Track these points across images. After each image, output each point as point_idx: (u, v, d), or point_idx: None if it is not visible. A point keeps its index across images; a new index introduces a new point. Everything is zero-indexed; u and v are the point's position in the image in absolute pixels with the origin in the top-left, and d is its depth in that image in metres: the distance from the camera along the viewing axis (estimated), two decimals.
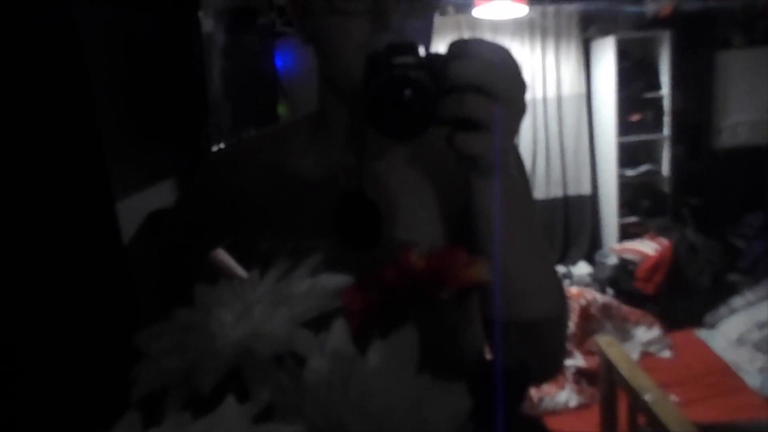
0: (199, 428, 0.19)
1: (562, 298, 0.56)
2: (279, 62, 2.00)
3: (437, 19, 3.38)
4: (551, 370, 0.59)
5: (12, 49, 0.89)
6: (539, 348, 0.54)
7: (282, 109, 1.83)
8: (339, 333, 0.29)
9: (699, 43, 3.29)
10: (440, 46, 0.48)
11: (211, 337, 0.28)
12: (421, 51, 0.48)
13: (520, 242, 0.51)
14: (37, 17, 0.91)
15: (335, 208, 0.59)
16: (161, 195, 1.27)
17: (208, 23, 1.39)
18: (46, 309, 0.96)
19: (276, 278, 0.32)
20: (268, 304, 0.30)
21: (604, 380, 1.40)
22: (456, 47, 0.45)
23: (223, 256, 0.83)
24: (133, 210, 1.15)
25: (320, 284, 0.31)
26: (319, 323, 0.31)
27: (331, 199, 0.60)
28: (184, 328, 0.29)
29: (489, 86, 0.42)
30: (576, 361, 2.56)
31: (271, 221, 0.65)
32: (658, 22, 3.25)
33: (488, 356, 0.54)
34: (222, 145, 1.26)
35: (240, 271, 0.83)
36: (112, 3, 1.16)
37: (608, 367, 1.34)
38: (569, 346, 2.60)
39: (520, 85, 0.45)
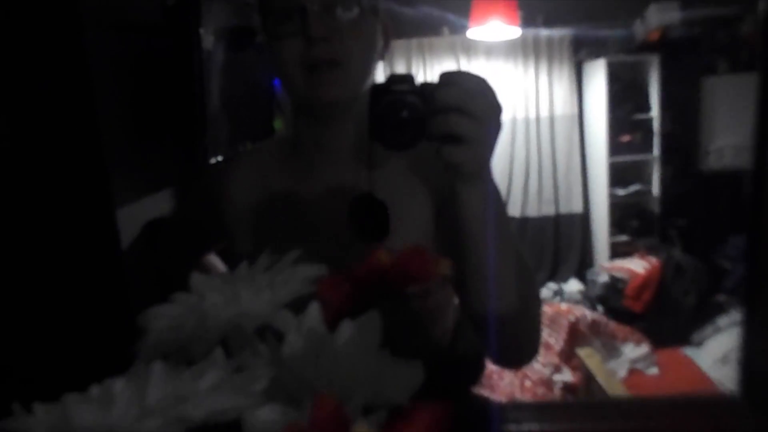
0: (193, 372, 0.23)
1: (531, 287, 0.63)
2: (276, 79, 2.06)
3: (433, 41, 3.47)
4: (525, 354, 0.65)
5: (21, 62, 0.95)
6: (511, 331, 0.60)
7: (278, 124, 1.89)
8: (313, 314, 0.34)
9: (686, 68, 3.39)
10: (435, 66, 0.54)
11: (204, 316, 0.33)
12: (417, 80, 0.57)
13: (495, 236, 0.58)
14: (47, 34, 0.96)
15: (349, 208, 0.67)
16: (159, 203, 1.32)
17: (208, 40, 1.46)
18: (43, 313, 1.00)
19: (261, 269, 0.37)
20: (253, 289, 0.35)
21: (583, 390, 1.44)
22: (444, 77, 0.54)
23: (214, 259, 0.89)
24: (132, 217, 1.20)
25: (299, 273, 0.36)
26: (297, 307, 0.36)
27: (305, 209, 0.67)
28: (181, 309, 0.34)
29: (469, 108, 0.51)
30: (563, 376, 2.59)
31: (254, 230, 0.71)
32: (647, 46, 3.35)
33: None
34: (219, 157, 1.31)
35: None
36: (117, 20, 1.22)
37: (588, 377, 1.38)
38: (558, 361, 2.64)
39: (495, 108, 0.53)
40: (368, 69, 0.68)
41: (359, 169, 0.71)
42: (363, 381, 0.32)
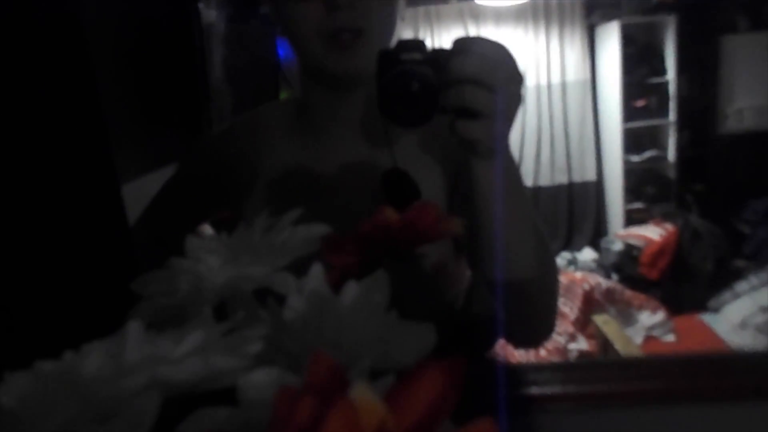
0: (176, 334, 0.21)
1: (547, 262, 0.60)
2: (281, 50, 2.02)
3: (440, 8, 3.38)
4: (540, 332, 0.62)
5: (15, 36, 0.92)
6: (527, 307, 0.57)
7: (284, 96, 1.86)
8: (316, 275, 0.32)
9: (704, 28, 3.27)
10: (443, 34, 0.50)
11: (199, 279, 0.31)
12: (428, 46, 0.52)
13: (512, 213, 0.55)
14: (42, 5, 0.93)
15: (381, 182, 0.63)
16: (166, 178, 1.30)
17: (210, 14, 1.42)
18: (50, 292, 1.00)
19: (260, 230, 0.35)
20: (251, 251, 0.33)
21: (601, 356, 1.43)
22: (458, 44, 0.49)
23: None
24: (139, 193, 1.18)
25: (300, 232, 0.33)
26: (300, 269, 0.33)
27: (315, 177, 0.64)
28: (176, 273, 0.32)
29: (486, 79, 0.46)
30: (579, 344, 2.58)
31: (259, 197, 0.69)
32: (662, 6, 3.23)
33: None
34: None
35: None
36: None
37: (604, 345, 1.37)
38: (572, 329, 2.63)
39: (515, 79, 0.49)
40: (390, 36, 0.64)
41: (372, 139, 0.68)
42: (370, 344, 0.30)
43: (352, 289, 0.31)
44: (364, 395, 0.15)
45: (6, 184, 0.94)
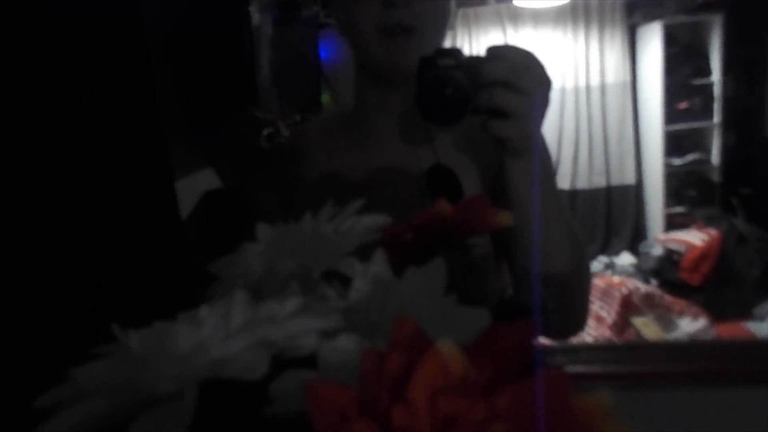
0: (274, 300, 0.24)
1: (580, 257, 0.62)
2: (323, 53, 2.06)
3: (478, 10, 3.38)
4: (573, 325, 0.65)
5: (81, 41, 0.99)
6: (560, 301, 0.59)
7: (325, 98, 1.90)
8: (379, 261, 0.34)
9: (752, 26, 3.17)
10: (481, 36, 0.54)
11: (272, 261, 0.34)
12: (464, 54, 0.57)
13: (545, 209, 0.58)
14: (105, 11, 1.00)
15: (426, 178, 0.68)
16: (215, 176, 1.35)
17: (255, 16, 1.47)
18: (112, 280, 1.06)
19: (326, 219, 0.38)
20: (319, 237, 0.35)
21: None
22: (491, 51, 0.54)
23: None
24: (190, 190, 1.24)
25: (362, 221, 0.36)
26: (361, 256, 0.36)
27: (367, 173, 0.68)
28: (249, 256, 0.35)
29: (516, 83, 0.51)
30: None
31: (317, 200, 0.72)
32: (707, 5, 3.15)
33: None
34: (271, 130, 1.34)
35: None
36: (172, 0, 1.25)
37: None
38: (609, 334, 2.59)
39: (543, 82, 0.53)
40: (441, 38, 0.68)
41: (412, 137, 0.71)
42: (430, 324, 0.32)
43: (412, 274, 0.33)
44: (449, 348, 0.17)
45: (72, 181, 1.00)
